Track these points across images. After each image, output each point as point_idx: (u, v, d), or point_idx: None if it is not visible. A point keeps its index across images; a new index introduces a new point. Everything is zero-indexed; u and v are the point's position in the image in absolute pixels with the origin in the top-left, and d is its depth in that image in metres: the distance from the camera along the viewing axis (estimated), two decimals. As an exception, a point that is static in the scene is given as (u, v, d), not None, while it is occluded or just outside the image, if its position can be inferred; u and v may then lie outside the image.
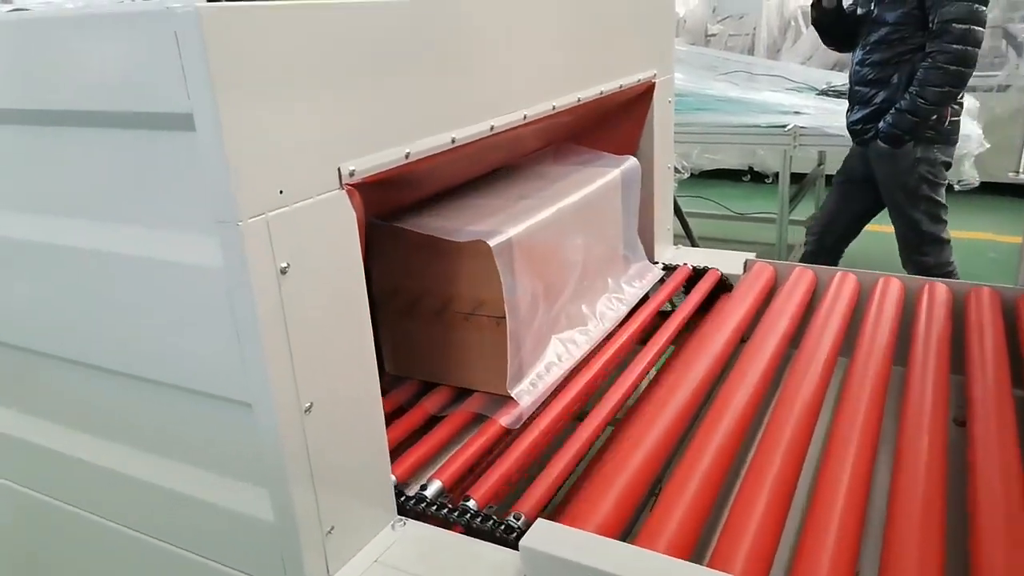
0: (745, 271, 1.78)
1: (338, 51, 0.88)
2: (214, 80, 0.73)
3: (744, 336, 1.52)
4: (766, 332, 1.44)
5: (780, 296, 1.60)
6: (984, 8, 2.43)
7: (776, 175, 5.99)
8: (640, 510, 1.09)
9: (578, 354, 1.39)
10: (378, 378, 1.00)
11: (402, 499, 1.05)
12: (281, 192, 0.82)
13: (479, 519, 0.99)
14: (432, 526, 1.02)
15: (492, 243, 1.17)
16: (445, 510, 1.02)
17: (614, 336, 1.47)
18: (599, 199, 1.54)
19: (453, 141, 1.06)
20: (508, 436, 1.20)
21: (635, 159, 1.68)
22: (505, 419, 1.20)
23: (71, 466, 1.12)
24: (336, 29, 0.88)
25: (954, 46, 2.41)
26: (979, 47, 2.43)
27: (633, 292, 1.65)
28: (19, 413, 1.18)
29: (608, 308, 1.56)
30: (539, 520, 0.93)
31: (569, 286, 1.44)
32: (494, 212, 1.31)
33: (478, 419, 1.25)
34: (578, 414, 1.31)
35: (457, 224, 1.25)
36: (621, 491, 1.01)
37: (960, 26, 2.40)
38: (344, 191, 0.90)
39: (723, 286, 1.76)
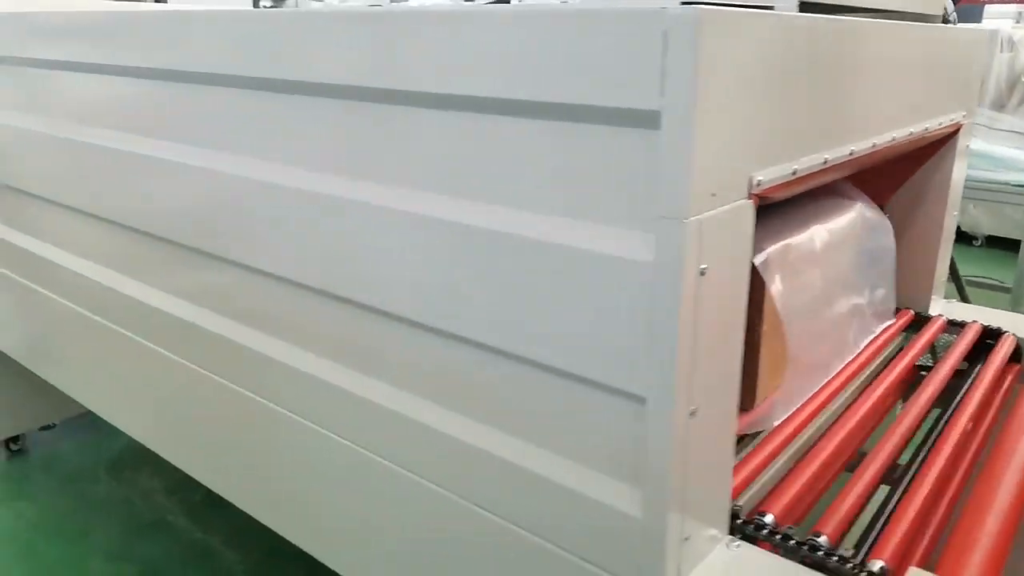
0: (1044, 336, 1.63)
1: (784, 59, 0.90)
2: (695, 81, 0.75)
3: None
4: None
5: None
6: None
7: (986, 238, 5.61)
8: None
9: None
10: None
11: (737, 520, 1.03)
12: (713, 195, 0.83)
13: (834, 557, 0.95)
14: (766, 551, 1.00)
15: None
16: (786, 538, 0.99)
17: (874, 384, 1.40)
18: (850, 237, 1.47)
19: (851, 153, 1.06)
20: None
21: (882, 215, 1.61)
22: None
23: (421, 432, 1.18)
24: (789, 37, 0.89)
25: None
26: None
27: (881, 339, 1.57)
28: (384, 384, 1.24)
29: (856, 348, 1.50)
30: (912, 569, 0.88)
31: (821, 316, 1.38)
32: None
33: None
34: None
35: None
36: (991, 546, 0.94)
37: None
38: (751, 201, 0.91)
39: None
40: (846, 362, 1.46)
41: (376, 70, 1.05)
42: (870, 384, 1.41)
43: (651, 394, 0.87)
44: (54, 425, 2.86)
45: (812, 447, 1.20)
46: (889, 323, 1.65)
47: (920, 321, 1.70)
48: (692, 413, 0.88)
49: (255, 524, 2.43)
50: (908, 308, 1.73)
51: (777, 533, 1.00)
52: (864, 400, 1.33)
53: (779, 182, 0.96)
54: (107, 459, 2.79)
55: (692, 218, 0.80)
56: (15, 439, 2.78)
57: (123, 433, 2.95)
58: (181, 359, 1.64)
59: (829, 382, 1.38)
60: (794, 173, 0.99)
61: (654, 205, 0.81)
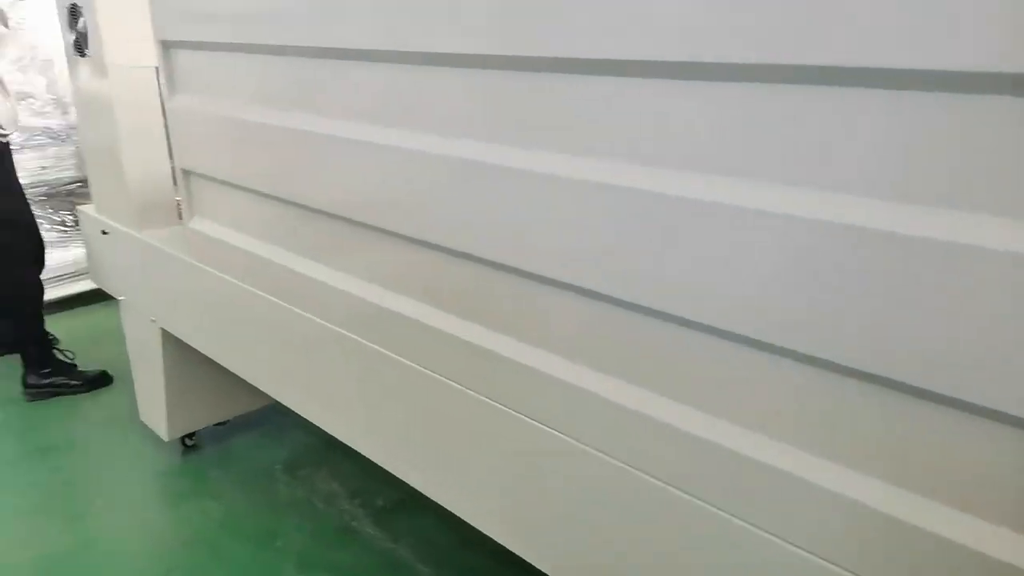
0: None
1: None
2: None
3: None
4: None
5: None
6: None
7: None
8: None
9: None
10: None
11: None
12: None
13: None
14: None
15: None
16: None
17: None
18: None
19: None
20: None
21: None
22: None
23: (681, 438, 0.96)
24: None
25: None
26: None
27: None
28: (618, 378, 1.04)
29: None
30: None
31: None
32: None
33: None
34: None
35: None
36: None
37: None
38: None
39: None
40: None
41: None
42: None
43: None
44: (227, 422, 2.79)
45: None
46: None
47: None
48: None
49: (443, 535, 2.28)
50: None
51: None
52: None
53: None
54: (282, 458, 2.70)
55: None
56: (191, 435, 2.72)
57: (295, 431, 2.91)
58: (385, 350, 1.49)
59: None
60: None
61: None
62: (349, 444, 1.74)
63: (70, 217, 4.02)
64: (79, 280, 3.98)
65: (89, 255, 2.80)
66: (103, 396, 3.14)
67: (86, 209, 2.68)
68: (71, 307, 3.98)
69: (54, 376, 3.16)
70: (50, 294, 3.91)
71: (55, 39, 4.01)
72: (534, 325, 1.21)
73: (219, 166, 1.87)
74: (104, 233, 2.49)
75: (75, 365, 3.25)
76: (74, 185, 4.01)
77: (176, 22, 1.82)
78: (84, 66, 2.33)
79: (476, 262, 1.25)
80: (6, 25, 3.20)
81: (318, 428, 1.85)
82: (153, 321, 2.37)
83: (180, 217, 2.41)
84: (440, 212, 1.28)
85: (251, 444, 2.79)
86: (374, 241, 1.46)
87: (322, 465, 2.64)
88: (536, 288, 1.17)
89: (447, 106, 1.22)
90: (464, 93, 1.18)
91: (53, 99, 3.91)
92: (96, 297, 3.95)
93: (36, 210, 3.91)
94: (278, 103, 1.60)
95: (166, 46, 1.89)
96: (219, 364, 2.16)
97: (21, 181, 3.76)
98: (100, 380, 3.23)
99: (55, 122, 3.91)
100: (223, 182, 1.88)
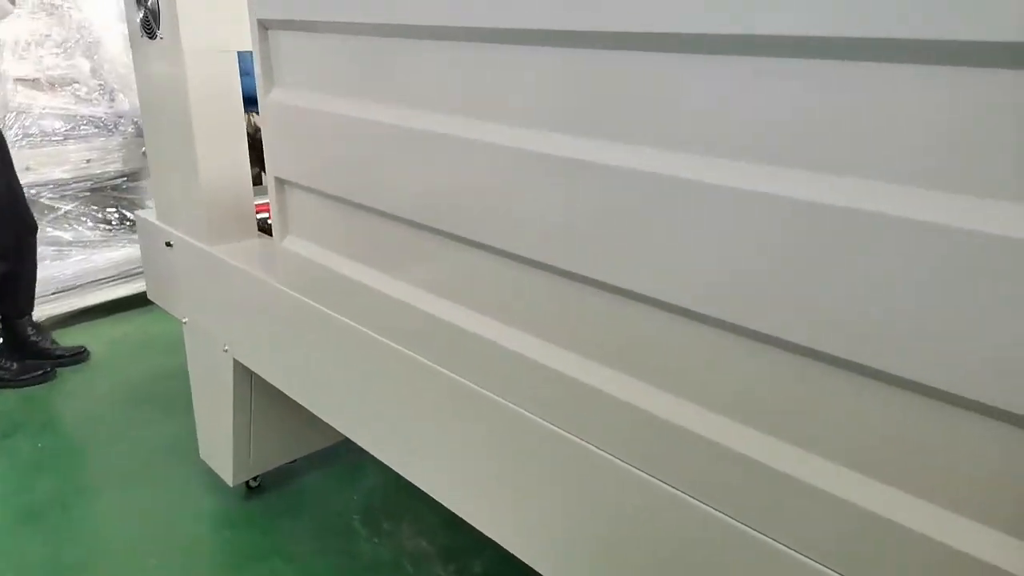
0: None
1: None
2: None
3: None
4: None
5: None
6: None
7: None
8: None
9: None
10: None
11: None
12: None
13: None
14: None
15: None
16: None
17: None
18: None
19: None
20: None
21: None
22: None
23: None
24: None
25: None
26: None
27: None
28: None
29: None
30: None
31: None
32: None
33: None
34: None
35: None
36: None
37: None
38: None
39: None
40: None
41: None
42: None
43: None
44: (294, 461, 2.44)
45: None
46: None
47: None
48: None
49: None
50: None
51: None
52: None
53: None
54: (359, 505, 2.34)
55: None
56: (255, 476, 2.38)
57: (367, 470, 2.56)
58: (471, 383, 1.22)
59: None
60: None
61: None
62: (434, 495, 1.42)
63: (115, 215, 3.70)
64: (124, 283, 3.66)
65: (147, 268, 2.46)
66: (154, 426, 2.79)
67: (145, 215, 2.33)
68: (114, 312, 3.67)
69: None
70: (94, 298, 3.60)
71: (103, 17, 3.71)
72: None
73: (324, 177, 1.52)
74: (168, 245, 2.15)
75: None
76: (120, 180, 3.69)
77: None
78: (153, 50, 1.99)
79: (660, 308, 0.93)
80: (12, 1, 2.89)
81: (390, 468, 1.55)
82: (225, 351, 2.02)
83: (260, 230, 2.07)
84: (622, 246, 0.96)
85: (322, 486, 2.45)
86: (534, 280, 1.12)
87: (404, 516, 2.29)
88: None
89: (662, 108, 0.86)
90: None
91: (100, 85, 3.59)
92: (142, 301, 3.66)
93: (79, 207, 3.60)
94: (414, 102, 1.24)
95: (265, 26, 1.54)
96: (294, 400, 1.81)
97: (64, 175, 3.45)
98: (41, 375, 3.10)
99: (102, 110, 3.58)
100: (328, 196, 1.53)
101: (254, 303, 1.84)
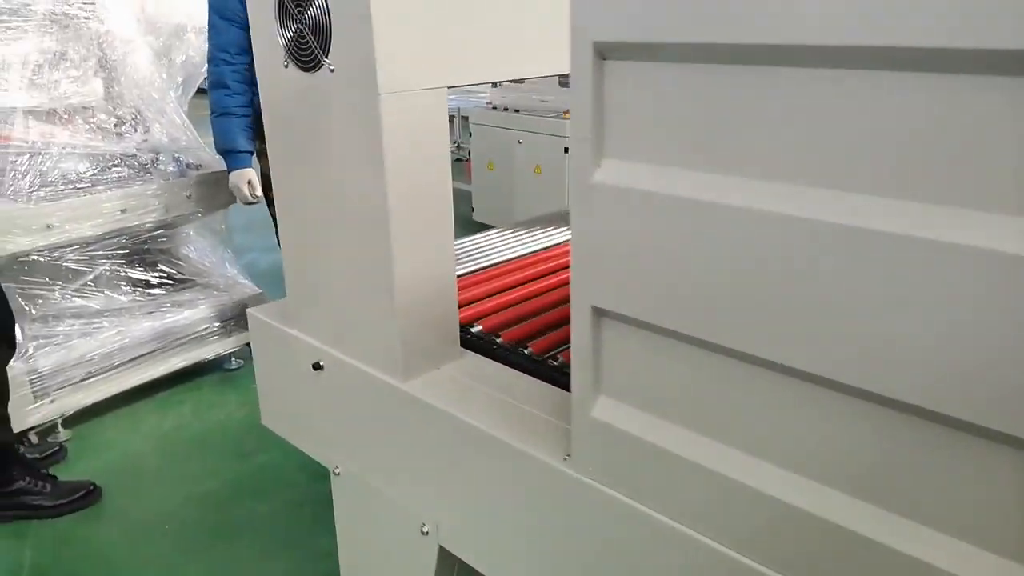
0: None
1: None
2: None
3: None
4: None
5: None
6: None
7: None
8: None
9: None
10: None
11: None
12: None
13: None
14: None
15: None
16: None
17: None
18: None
19: None
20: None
21: None
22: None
23: None
24: None
25: None
26: None
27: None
28: None
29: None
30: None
31: None
32: None
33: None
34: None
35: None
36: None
37: None
38: None
39: None
40: None
41: None
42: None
43: None
44: None
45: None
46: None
47: None
48: None
49: None
50: None
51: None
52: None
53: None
54: None
55: None
56: None
57: None
58: None
59: None
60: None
61: None
62: None
63: (154, 277, 2.99)
64: (170, 354, 2.95)
65: (263, 385, 1.76)
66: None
67: (262, 315, 1.64)
68: (158, 390, 2.96)
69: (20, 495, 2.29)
70: (132, 379, 2.89)
71: (127, 29, 2.98)
72: None
73: (688, 309, 0.87)
74: (317, 368, 1.47)
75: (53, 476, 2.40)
76: (157, 232, 2.97)
77: (647, 7, 0.82)
78: (310, 86, 1.31)
79: None
80: None
81: None
82: (425, 532, 1.35)
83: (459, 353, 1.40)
84: None
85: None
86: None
87: None
88: None
89: None
90: None
91: (134, 115, 2.86)
92: (179, 379, 2.98)
93: (112, 268, 2.89)
94: (861, 186, 0.62)
95: (603, 55, 0.88)
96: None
97: (93, 231, 2.73)
98: (82, 497, 2.35)
99: (134, 145, 2.85)
100: (692, 339, 0.89)
101: (504, 481, 1.18)
